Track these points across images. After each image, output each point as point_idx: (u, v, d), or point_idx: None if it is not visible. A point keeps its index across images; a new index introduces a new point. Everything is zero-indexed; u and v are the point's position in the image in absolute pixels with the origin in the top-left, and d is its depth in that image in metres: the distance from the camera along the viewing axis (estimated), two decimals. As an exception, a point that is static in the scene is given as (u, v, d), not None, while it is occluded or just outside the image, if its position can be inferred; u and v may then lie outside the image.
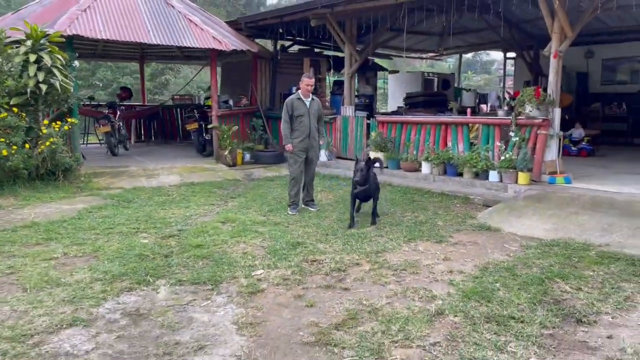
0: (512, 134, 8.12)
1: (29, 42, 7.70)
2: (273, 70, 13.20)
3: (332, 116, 11.51)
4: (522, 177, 7.75)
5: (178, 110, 15.18)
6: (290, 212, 7.01)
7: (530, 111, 7.97)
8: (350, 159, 11.04)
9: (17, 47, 7.90)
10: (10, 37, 7.96)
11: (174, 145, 14.23)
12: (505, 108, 9.11)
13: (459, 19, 11.57)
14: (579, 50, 13.93)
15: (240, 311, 3.92)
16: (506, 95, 14.97)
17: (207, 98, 13.94)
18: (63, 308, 3.89)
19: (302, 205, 7.33)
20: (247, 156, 11.62)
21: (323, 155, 11.15)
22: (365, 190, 6.32)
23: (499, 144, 8.26)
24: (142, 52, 15.16)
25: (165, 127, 15.45)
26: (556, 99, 7.94)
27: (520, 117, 8.11)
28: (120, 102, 13.43)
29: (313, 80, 7.11)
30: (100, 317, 3.79)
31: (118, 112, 12.08)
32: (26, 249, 5.31)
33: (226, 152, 10.83)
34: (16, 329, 3.52)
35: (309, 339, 3.49)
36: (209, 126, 11.43)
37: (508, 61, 17.88)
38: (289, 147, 7.09)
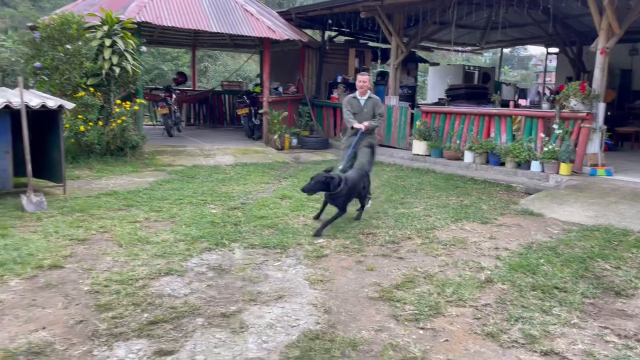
0: (555, 126, 8.41)
1: (105, 28, 8.37)
2: (320, 59, 13.67)
3: (377, 105, 11.90)
4: (564, 168, 8.05)
5: (226, 96, 15.82)
6: None
7: (575, 105, 8.24)
8: (394, 147, 11.47)
9: (92, 32, 8.59)
10: (87, 22, 8.65)
11: (222, 129, 14.89)
12: (547, 103, 9.40)
13: (504, 13, 11.80)
14: (624, 47, 13.93)
15: (309, 271, 4.43)
16: (546, 91, 15.11)
17: (256, 85, 14.52)
18: (157, 261, 4.47)
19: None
20: (294, 141, 12.16)
21: (367, 143, 11.59)
22: (335, 198, 5.72)
23: (543, 135, 8.56)
24: (194, 40, 15.84)
25: (214, 111, 16.12)
26: (601, 94, 8.18)
27: (564, 111, 8.39)
28: (175, 86, 14.14)
29: (366, 77, 6.75)
30: (189, 269, 4.36)
31: (174, 96, 12.79)
32: (112, 213, 5.95)
33: (275, 137, 11.40)
34: (123, 275, 4.11)
35: (373, 294, 3.98)
36: (260, 111, 12.01)
37: (548, 57, 17.90)
38: (356, 125, 6.59)
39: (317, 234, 5.43)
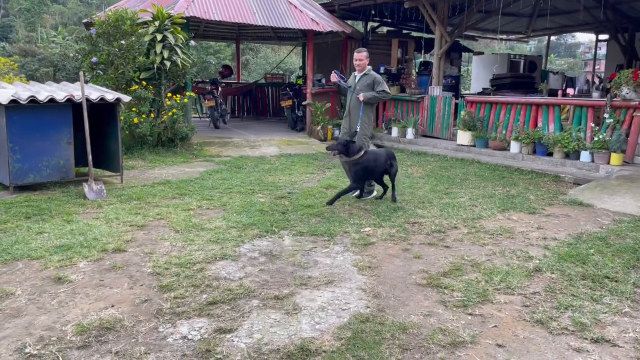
0: (606, 115, 8.22)
1: (156, 23, 8.69)
2: (362, 50, 13.68)
3: (420, 96, 11.89)
4: (615, 158, 7.87)
5: (269, 88, 16.06)
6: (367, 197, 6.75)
7: (627, 93, 8.03)
8: (437, 137, 11.43)
9: (145, 28, 8.92)
10: (140, 18, 8.99)
11: (265, 121, 15.17)
12: (598, 91, 9.17)
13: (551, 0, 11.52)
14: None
15: (357, 257, 4.55)
16: (596, 80, 14.64)
17: (298, 77, 14.69)
18: (212, 246, 4.68)
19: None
20: (337, 132, 12.24)
21: (410, 133, 11.60)
22: (354, 165, 6.12)
23: (592, 125, 8.38)
24: (238, 33, 16.13)
25: (257, 104, 16.41)
26: (655, 82, 7.94)
27: (615, 99, 8.18)
28: (221, 79, 14.49)
29: (362, 54, 6.60)
30: (242, 254, 4.55)
31: (219, 89, 13.11)
32: (166, 201, 6.24)
33: (318, 128, 11.55)
34: (181, 259, 4.34)
35: (421, 281, 4.06)
36: (304, 103, 12.18)
37: (598, 44, 17.32)
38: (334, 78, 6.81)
39: (330, 202, 6.08)
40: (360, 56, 6.60)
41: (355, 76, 6.74)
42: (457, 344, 3.11)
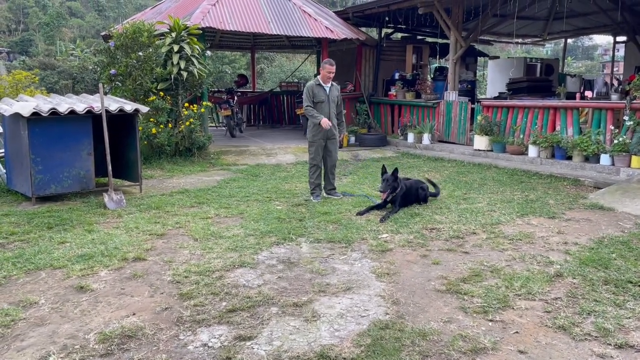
0: (626, 117, 8.10)
1: (173, 34, 8.82)
2: (377, 57, 13.71)
3: (436, 101, 11.86)
4: (636, 160, 7.75)
5: (284, 96, 16.15)
6: (313, 200, 6.83)
7: (647, 95, 7.92)
8: (453, 143, 11.37)
9: (161, 39, 9.06)
10: (157, 30, 9.13)
11: (281, 129, 15.25)
12: (617, 93, 9.06)
13: (569, 2, 11.43)
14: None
15: (375, 264, 4.53)
16: (614, 82, 14.46)
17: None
18: (230, 254, 4.71)
19: (325, 195, 7.11)
20: (352, 139, 12.27)
21: (426, 139, 11.57)
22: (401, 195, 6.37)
23: (612, 127, 8.27)
24: (253, 42, 16.27)
25: (273, 112, 16.51)
26: (676, 83, 7.83)
27: (635, 101, 8.08)
28: (237, 88, 14.62)
29: (334, 67, 6.79)
30: (260, 262, 4.56)
31: (235, 98, 13.23)
32: (184, 209, 6.30)
33: (334, 135, 11.54)
34: (200, 267, 4.37)
35: (440, 287, 4.03)
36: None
37: (616, 46, 17.12)
38: (324, 121, 6.69)
39: (382, 220, 5.92)
40: (334, 69, 6.82)
41: (324, 87, 6.86)
42: (478, 351, 3.08)
